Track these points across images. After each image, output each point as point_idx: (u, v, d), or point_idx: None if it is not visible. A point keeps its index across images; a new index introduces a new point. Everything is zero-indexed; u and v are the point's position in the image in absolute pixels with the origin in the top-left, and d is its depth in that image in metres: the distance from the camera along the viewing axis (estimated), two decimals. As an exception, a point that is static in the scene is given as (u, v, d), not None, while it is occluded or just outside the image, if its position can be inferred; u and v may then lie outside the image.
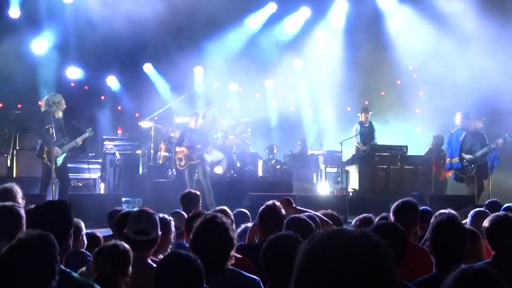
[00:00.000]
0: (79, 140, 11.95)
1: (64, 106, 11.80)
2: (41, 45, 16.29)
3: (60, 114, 11.65)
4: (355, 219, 6.60)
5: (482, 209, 6.75)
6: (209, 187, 13.03)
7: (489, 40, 16.00)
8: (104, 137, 14.72)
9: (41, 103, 11.99)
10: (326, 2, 18.45)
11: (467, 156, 13.78)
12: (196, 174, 13.30)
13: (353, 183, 14.95)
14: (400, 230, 4.48)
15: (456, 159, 13.98)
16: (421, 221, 5.96)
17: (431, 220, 4.77)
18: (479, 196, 13.47)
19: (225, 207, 6.37)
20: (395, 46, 18.05)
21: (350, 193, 14.76)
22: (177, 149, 13.47)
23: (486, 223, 4.79)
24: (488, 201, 8.29)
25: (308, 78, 18.76)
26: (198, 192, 7.52)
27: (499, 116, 15.15)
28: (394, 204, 5.69)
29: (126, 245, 4.26)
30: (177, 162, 13.49)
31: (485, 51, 15.83)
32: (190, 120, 13.60)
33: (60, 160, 11.62)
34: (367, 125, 15.55)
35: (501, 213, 4.92)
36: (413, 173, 15.06)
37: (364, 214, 6.60)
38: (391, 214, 5.67)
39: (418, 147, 17.14)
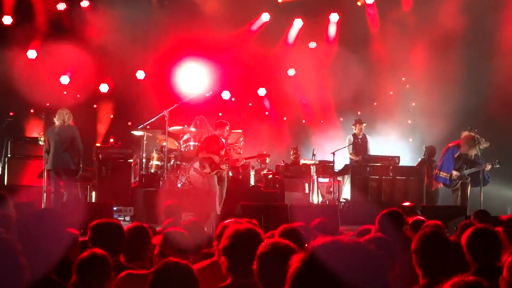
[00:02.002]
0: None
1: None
2: (33, 52, 16.27)
3: None
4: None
5: (469, 220, 6.75)
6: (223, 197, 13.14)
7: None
8: (96, 145, 14.68)
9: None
10: (319, 13, 18.48)
11: (455, 173, 14.08)
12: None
13: (345, 193, 14.97)
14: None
15: (444, 174, 14.22)
16: (413, 231, 5.97)
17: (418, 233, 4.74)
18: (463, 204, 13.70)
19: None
20: (387, 58, 18.11)
21: (342, 203, 14.78)
22: (202, 155, 13.34)
23: (464, 237, 4.72)
24: (475, 210, 8.33)
25: (301, 87, 18.78)
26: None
27: (489, 125, 15.27)
28: (379, 214, 5.70)
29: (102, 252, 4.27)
30: (199, 169, 13.44)
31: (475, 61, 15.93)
32: (218, 129, 13.49)
33: None
34: (361, 137, 15.62)
35: (481, 226, 4.83)
36: (405, 183, 15.09)
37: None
38: (376, 224, 5.67)
39: (410, 157, 17.18)
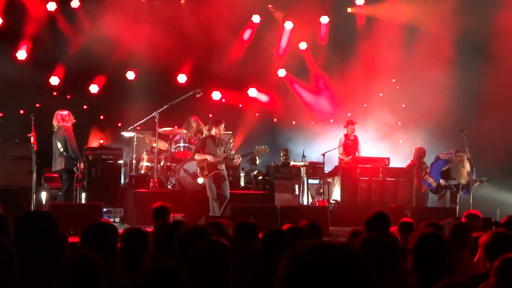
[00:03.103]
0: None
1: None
2: (23, 53, 16.21)
3: None
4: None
5: (462, 221, 6.77)
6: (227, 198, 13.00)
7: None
8: (86, 146, 14.64)
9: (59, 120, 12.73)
10: (310, 15, 18.49)
11: (442, 182, 14.38)
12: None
13: (335, 195, 14.99)
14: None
15: (431, 180, 14.38)
16: (402, 232, 5.98)
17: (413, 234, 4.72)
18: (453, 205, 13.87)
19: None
20: (377, 59, 18.15)
21: (332, 205, 14.81)
22: (198, 156, 13.25)
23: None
24: (467, 212, 8.36)
25: (291, 88, 18.80)
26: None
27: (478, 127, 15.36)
28: (367, 217, 5.72)
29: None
30: (198, 171, 13.33)
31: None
32: (214, 128, 13.30)
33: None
34: (352, 138, 15.70)
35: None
36: (394, 185, 15.13)
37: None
38: (364, 227, 5.69)
39: (400, 159, 17.21)
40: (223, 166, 13.17)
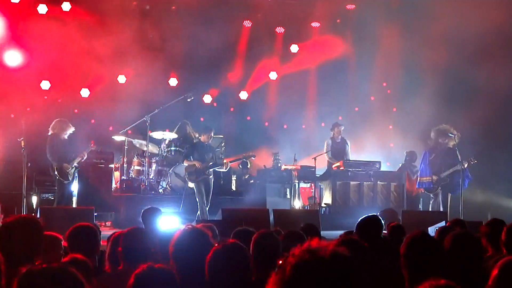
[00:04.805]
0: (84, 154, 13.25)
1: (68, 130, 13.23)
2: (14, 57, 16.17)
3: (66, 136, 13.18)
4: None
5: (446, 225, 6.79)
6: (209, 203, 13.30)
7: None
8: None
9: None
10: (301, 21, 18.53)
11: (434, 177, 14.20)
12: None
13: (326, 198, 15.01)
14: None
15: (425, 179, 14.34)
16: (392, 236, 5.99)
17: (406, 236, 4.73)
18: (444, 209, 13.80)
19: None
20: (369, 62, 18.20)
21: (323, 208, 14.83)
22: (186, 162, 13.51)
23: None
24: (452, 219, 8.41)
25: (282, 92, 18.81)
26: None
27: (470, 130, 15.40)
28: (359, 220, 5.74)
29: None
30: (187, 176, 13.46)
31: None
32: (203, 135, 13.67)
33: (71, 174, 13.03)
34: (339, 140, 15.71)
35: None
36: (386, 188, 15.17)
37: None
38: (355, 231, 5.70)
39: (391, 163, 17.26)
40: (210, 172, 13.29)
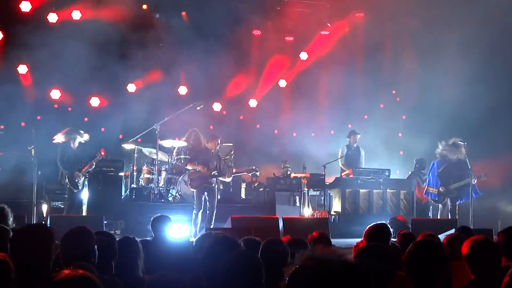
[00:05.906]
0: (93, 163, 13.37)
1: (78, 138, 13.40)
2: (24, 67, 16.26)
3: (76, 144, 13.33)
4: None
5: (455, 233, 6.75)
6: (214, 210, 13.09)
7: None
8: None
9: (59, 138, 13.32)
10: (309, 30, 18.56)
11: (441, 189, 14.24)
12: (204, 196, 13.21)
13: (336, 206, 14.99)
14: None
15: (432, 190, 14.33)
16: (402, 244, 5.98)
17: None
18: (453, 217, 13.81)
19: None
20: (378, 70, 18.19)
21: (333, 216, 14.80)
22: (189, 166, 13.39)
23: (465, 248, 4.71)
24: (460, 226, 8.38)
25: (292, 100, 18.82)
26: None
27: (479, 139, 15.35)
28: (367, 228, 5.73)
29: None
30: (189, 183, 13.35)
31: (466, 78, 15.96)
32: (210, 142, 13.50)
33: (80, 183, 13.25)
34: (354, 148, 15.73)
35: (479, 237, 4.84)
36: (395, 196, 15.13)
37: None
38: (363, 238, 5.69)
39: (400, 170, 17.22)
40: (213, 181, 13.21)
